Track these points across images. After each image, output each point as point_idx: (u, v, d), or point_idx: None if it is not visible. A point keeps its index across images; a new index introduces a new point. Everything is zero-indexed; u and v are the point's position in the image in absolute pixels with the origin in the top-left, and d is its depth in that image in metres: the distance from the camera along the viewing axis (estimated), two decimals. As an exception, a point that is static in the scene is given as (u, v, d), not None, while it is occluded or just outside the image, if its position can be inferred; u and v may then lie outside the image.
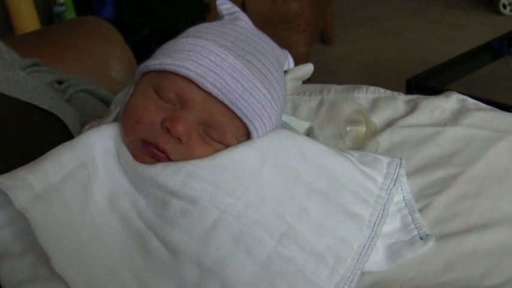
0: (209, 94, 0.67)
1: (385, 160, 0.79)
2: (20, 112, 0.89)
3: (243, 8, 2.58)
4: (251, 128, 0.70)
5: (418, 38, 3.42)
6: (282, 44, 0.80)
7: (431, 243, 0.72)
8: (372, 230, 0.72)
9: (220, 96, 0.67)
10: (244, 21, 0.76)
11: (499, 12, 3.52)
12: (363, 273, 0.70)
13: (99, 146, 0.70)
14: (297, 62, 0.88)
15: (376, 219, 0.73)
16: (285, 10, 2.69)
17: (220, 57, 0.68)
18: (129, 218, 0.68)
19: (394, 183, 0.76)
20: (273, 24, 2.67)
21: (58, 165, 0.66)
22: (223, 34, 0.72)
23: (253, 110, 0.69)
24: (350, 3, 4.00)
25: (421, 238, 0.73)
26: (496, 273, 0.69)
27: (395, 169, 0.78)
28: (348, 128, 0.91)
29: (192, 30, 0.74)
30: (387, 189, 0.76)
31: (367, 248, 0.70)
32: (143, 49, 2.29)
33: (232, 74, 0.67)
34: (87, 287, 0.62)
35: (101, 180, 0.69)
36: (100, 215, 0.67)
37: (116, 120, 0.77)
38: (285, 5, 2.69)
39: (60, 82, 1.12)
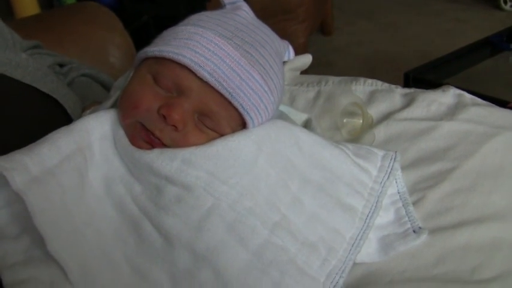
0: (206, 83, 0.67)
1: (380, 153, 0.80)
2: (21, 94, 0.89)
3: (243, -4, 2.58)
4: (247, 118, 0.70)
5: (417, 31, 3.43)
6: (281, 34, 0.80)
7: (424, 237, 0.73)
8: (365, 222, 0.72)
9: (217, 86, 0.67)
10: (246, 11, 0.77)
11: (500, 8, 3.53)
12: (355, 264, 0.70)
13: (96, 131, 0.71)
14: (296, 52, 0.89)
15: (369, 212, 0.73)
16: (285, 0, 2.69)
17: (218, 47, 0.68)
18: (124, 203, 0.68)
19: (388, 177, 0.77)
20: (272, 13, 2.67)
21: (55, 149, 0.66)
22: (223, 23, 0.72)
23: (250, 101, 0.69)
24: (350, -6, 4.00)
25: (414, 231, 0.74)
26: (487, 267, 0.70)
27: (390, 162, 0.78)
28: (344, 120, 0.91)
29: (193, 18, 0.74)
30: (381, 182, 0.76)
31: (360, 240, 0.71)
32: (142, 35, 2.29)
33: (230, 63, 0.68)
34: (81, 271, 0.63)
35: (97, 165, 0.70)
36: (95, 199, 0.68)
37: (114, 104, 0.78)
38: (285, -6, 2.69)
39: (61, 65, 1.12)
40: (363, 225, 0.72)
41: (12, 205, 0.64)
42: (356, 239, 0.71)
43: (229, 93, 0.68)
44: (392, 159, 0.79)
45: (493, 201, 0.78)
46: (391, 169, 0.78)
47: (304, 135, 0.76)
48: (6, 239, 0.63)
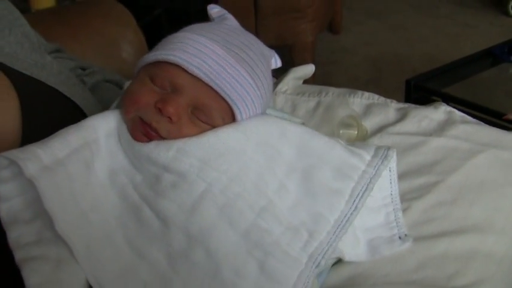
0: (196, 78, 0.73)
1: (374, 146, 0.81)
2: (45, 96, 0.92)
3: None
4: (234, 108, 0.76)
5: (425, 34, 3.44)
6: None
7: (408, 244, 0.77)
8: (353, 203, 0.74)
9: (205, 79, 0.73)
10: (231, 20, 0.84)
11: (508, 14, 3.54)
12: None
13: (103, 128, 0.77)
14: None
15: (359, 193, 0.75)
16: (295, -1, 2.72)
17: (206, 47, 0.75)
18: (126, 192, 0.74)
19: (382, 161, 0.77)
20: (282, 12, 2.70)
21: (65, 142, 0.72)
22: (213, 30, 0.79)
23: (236, 92, 0.75)
24: (360, -6, 4.02)
25: (399, 237, 0.78)
26: (462, 275, 0.75)
27: (384, 151, 0.79)
28: (340, 131, 0.96)
29: (186, 28, 0.81)
30: (375, 166, 0.77)
31: (346, 222, 0.73)
32: (155, 29, 2.33)
33: (216, 59, 0.74)
34: (87, 251, 0.69)
35: (103, 158, 0.76)
36: (100, 188, 0.74)
37: (119, 104, 0.84)
38: (295, -7, 2.72)
39: (83, 69, 1.15)
40: (351, 207, 0.74)
41: (26, 194, 0.69)
42: (342, 222, 0.73)
43: (217, 85, 0.74)
44: (386, 149, 0.79)
45: (472, 215, 0.82)
46: (386, 155, 0.78)
47: (292, 127, 0.79)
48: (21, 223, 0.69)
